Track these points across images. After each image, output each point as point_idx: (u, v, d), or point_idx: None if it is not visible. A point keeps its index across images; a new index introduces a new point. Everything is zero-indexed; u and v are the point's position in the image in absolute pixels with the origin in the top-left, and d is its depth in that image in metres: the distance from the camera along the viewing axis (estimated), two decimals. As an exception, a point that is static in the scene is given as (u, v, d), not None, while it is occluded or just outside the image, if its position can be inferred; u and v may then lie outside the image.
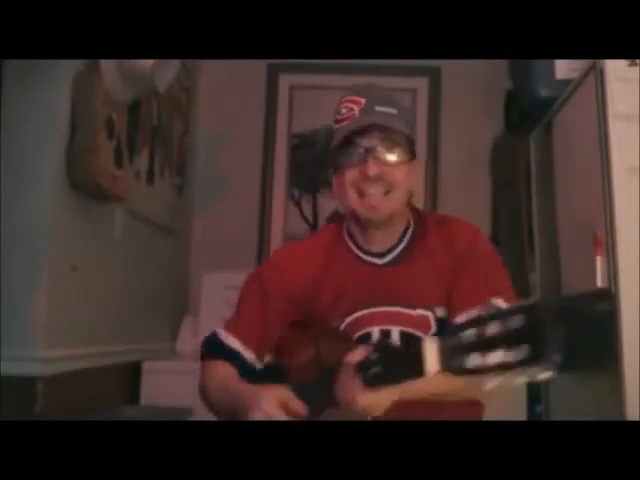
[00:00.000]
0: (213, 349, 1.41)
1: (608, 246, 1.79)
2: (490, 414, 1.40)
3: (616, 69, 1.81)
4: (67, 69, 1.88)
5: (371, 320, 1.37)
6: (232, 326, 1.43)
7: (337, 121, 1.36)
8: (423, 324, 1.36)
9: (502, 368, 0.84)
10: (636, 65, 1.78)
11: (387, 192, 1.32)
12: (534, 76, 2.32)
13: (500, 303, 1.24)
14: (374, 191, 1.32)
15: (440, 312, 1.37)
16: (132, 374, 2.44)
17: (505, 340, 0.85)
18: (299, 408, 1.14)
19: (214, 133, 3.18)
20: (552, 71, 2.26)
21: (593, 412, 1.93)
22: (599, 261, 1.83)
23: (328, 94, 3.15)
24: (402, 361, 1.01)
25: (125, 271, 2.37)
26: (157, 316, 2.75)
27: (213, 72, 3.12)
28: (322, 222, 3.10)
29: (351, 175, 1.33)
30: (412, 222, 1.44)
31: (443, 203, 3.03)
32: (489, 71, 2.89)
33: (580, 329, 2.09)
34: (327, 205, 3.08)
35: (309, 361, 1.28)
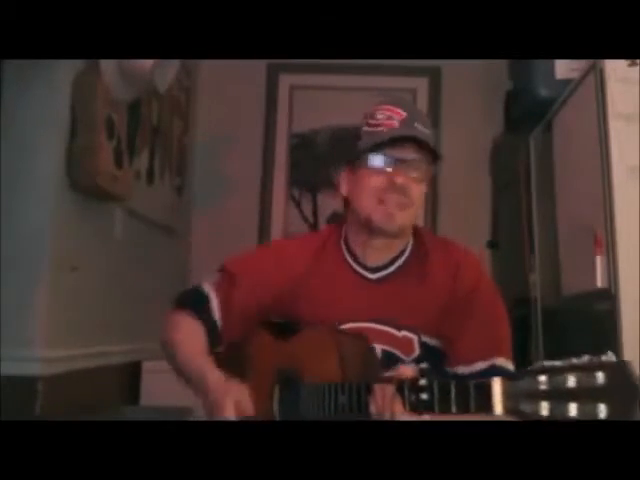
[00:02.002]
0: (195, 304, 1.42)
1: (608, 246, 1.79)
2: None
3: (616, 69, 1.81)
4: (67, 69, 1.88)
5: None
6: (214, 292, 1.43)
7: (369, 124, 1.34)
8: (406, 346, 1.34)
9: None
10: (636, 65, 1.78)
11: (405, 206, 1.31)
12: (534, 76, 2.32)
13: (502, 362, 1.29)
14: (394, 200, 1.30)
15: (425, 338, 1.35)
16: (132, 374, 2.44)
17: (583, 395, 0.84)
18: (250, 411, 1.18)
19: (214, 133, 3.18)
20: (552, 71, 2.26)
21: (593, 412, 1.93)
22: (599, 261, 1.83)
23: (328, 94, 3.17)
24: (461, 396, 0.99)
25: (125, 271, 2.37)
26: (157, 316, 2.75)
27: (213, 72, 3.12)
28: (322, 222, 3.10)
29: (375, 181, 1.31)
30: (411, 241, 1.41)
31: (443, 203, 3.04)
32: (489, 71, 2.89)
33: (580, 329, 2.09)
34: (327, 205, 3.09)
35: (331, 365, 1.27)
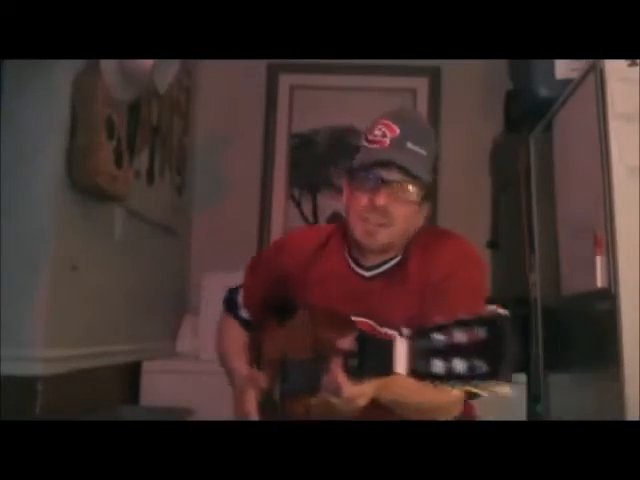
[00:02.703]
0: (230, 306, 1.59)
1: (608, 246, 1.79)
2: (490, 414, 1.40)
3: (616, 69, 1.81)
4: (67, 69, 1.88)
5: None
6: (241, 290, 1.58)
7: (367, 140, 1.35)
8: None
9: (462, 379, 0.83)
10: (636, 65, 1.78)
11: (387, 224, 1.32)
12: (534, 76, 2.32)
13: None
14: (375, 220, 1.32)
15: (407, 333, 1.36)
16: (132, 374, 2.44)
17: (468, 351, 0.83)
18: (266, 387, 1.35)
19: (214, 133, 3.18)
20: (552, 71, 2.26)
21: (593, 412, 1.93)
22: (599, 261, 1.83)
23: (328, 94, 3.17)
24: (375, 357, 0.99)
25: (125, 271, 2.37)
26: (157, 316, 2.75)
27: (213, 72, 3.12)
28: (322, 222, 3.09)
29: (360, 202, 1.33)
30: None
31: (443, 203, 3.03)
32: (489, 71, 2.89)
33: (580, 329, 2.09)
34: (327, 205, 3.08)
35: (304, 340, 1.30)
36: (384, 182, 1.30)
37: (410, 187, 1.31)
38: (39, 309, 1.83)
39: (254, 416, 1.35)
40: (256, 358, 1.51)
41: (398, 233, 1.36)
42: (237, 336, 1.57)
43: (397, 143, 1.30)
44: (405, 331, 0.96)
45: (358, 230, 1.35)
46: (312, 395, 1.20)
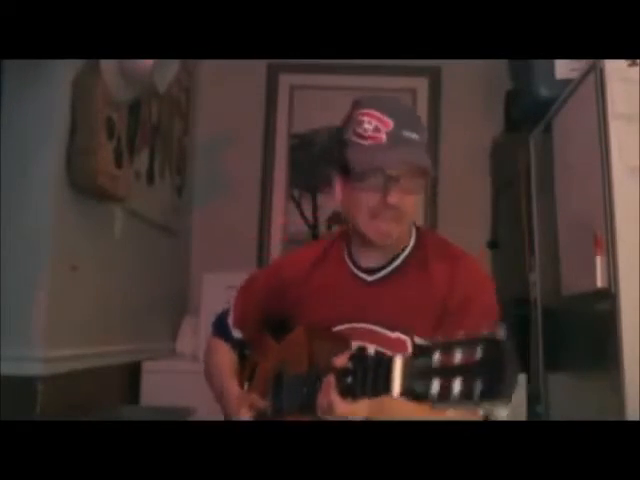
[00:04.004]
0: (220, 329, 1.57)
1: (608, 246, 1.79)
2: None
3: (616, 69, 1.81)
4: (67, 69, 1.88)
5: (350, 335, 1.35)
6: (231, 312, 1.56)
7: (357, 134, 1.28)
8: (399, 347, 1.34)
9: (459, 400, 0.80)
10: (636, 65, 1.78)
11: (399, 220, 1.31)
12: (534, 76, 2.32)
13: None
14: (388, 217, 1.29)
15: (419, 340, 1.34)
16: (132, 374, 2.44)
17: (466, 371, 0.80)
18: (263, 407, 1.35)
19: (214, 133, 3.18)
20: (552, 71, 2.26)
21: (593, 412, 1.93)
22: (599, 261, 1.82)
23: (328, 94, 3.17)
24: (370, 376, 0.98)
25: (125, 271, 2.37)
26: (157, 316, 2.75)
27: (213, 72, 3.12)
28: (322, 222, 3.10)
29: (369, 199, 1.29)
30: (412, 242, 1.41)
31: (443, 203, 3.04)
32: (489, 71, 2.89)
33: (580, 329, 2.09)
34: (327, 205, 3.09)
35: (302, 361, 1.29)
36: (391, 179, 1.27)
37: (416, 179, 1.30)
38: (39, 309, 1.83)
39: None
40: (249, 377, 1.50)
41: (407, 224, 1.36)
42: (228, 358, 1.55)
43: (394, 137, 1.26)
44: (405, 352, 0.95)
45: (371, 231, 1.32)
46: (305, 413, 1.19)
